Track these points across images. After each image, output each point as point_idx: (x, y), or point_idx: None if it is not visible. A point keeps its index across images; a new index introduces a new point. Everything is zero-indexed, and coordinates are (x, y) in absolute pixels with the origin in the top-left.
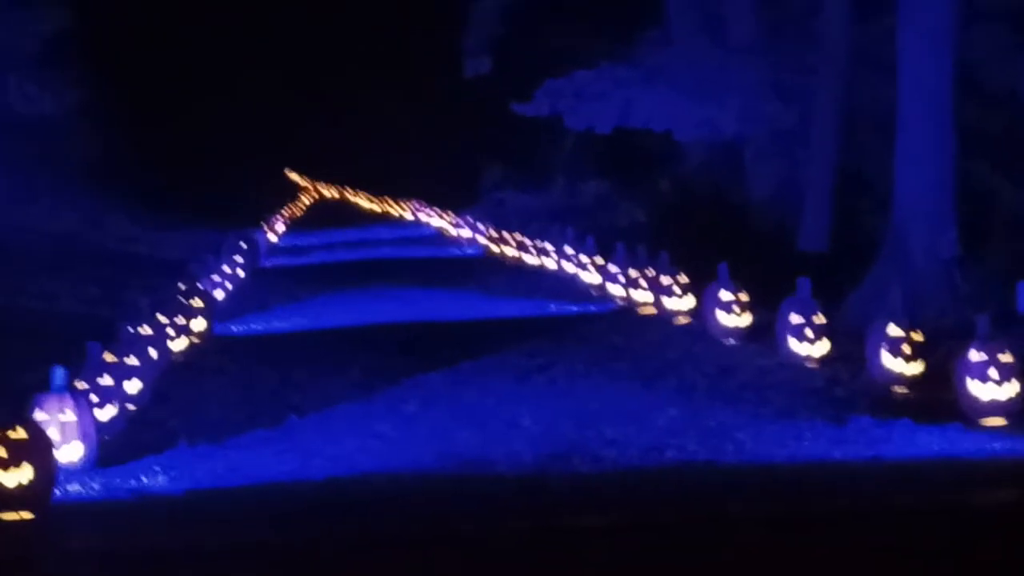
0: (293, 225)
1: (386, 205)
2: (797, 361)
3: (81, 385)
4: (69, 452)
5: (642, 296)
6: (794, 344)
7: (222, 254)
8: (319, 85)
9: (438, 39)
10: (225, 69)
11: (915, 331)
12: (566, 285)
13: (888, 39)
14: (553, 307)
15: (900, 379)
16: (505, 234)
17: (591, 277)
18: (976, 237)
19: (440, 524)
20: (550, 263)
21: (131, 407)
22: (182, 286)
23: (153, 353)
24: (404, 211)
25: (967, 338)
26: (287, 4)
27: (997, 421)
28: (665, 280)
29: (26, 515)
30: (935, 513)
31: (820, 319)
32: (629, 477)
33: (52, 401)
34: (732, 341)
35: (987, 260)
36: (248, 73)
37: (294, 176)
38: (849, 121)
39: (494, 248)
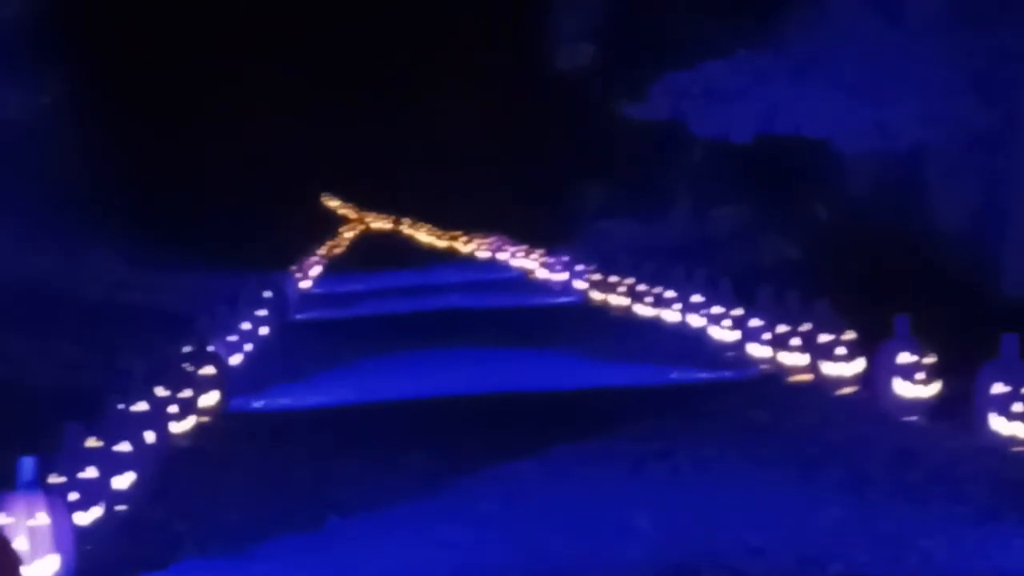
0: (333, 267)
1: (454, 240)
2: (1003, 444)
3: (57, 479)
4: (42, 567)
5: (794, 359)
6: (998, 422)
7: (240, 306)
8: (366, 89)
9: (521, 24)
10: (245, 67)
11: None
12: (692, 344)
13: None
14: (675, 374)
15: None
16: (611, 277)
17: (726, 333)
18: None
19: None
20: (671, 315)
21: (121, 507)
22: (188, 348)
23: (150, 437)
24: (478, 248)
25: None
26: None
27: None
28: (824, 337)
29: None
30: None
31: None
32: None
33: (19, 501)
34: (914, 418)
35: None
36: (275, 73)
37: (334, 204)
38: None
39: (596, 295)
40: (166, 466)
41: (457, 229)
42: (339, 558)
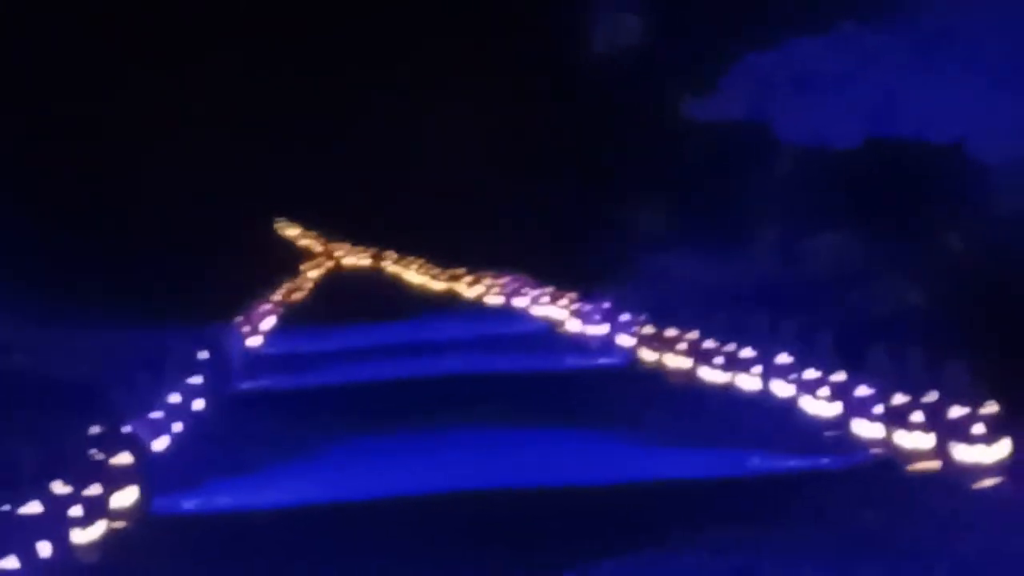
0: (291, 318)
1: (455, 281)
2: None
3: None
4: None
5: (917, 440)
6: None
7: (166, 371)
8: (331, 81)
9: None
10: (170, 58)
11: None
12: (779, 421)
13: None
14: (756, 461)
15: None
16: (669, 331)
17: (824, 406)
18: None
19: None
20: (749, 381)
21: None
22: (97, 429)
23: (44, 549)
24: (487, 292)
25: None
26: None
27: None
28: (957, 411)
29: None
30: None
31: None
32: None
33: None
34: None
35: None
36: (210, 60)
37: (292, 232)
38: None
39: (649, 355)
40: None
41: (460, 266)
42: None
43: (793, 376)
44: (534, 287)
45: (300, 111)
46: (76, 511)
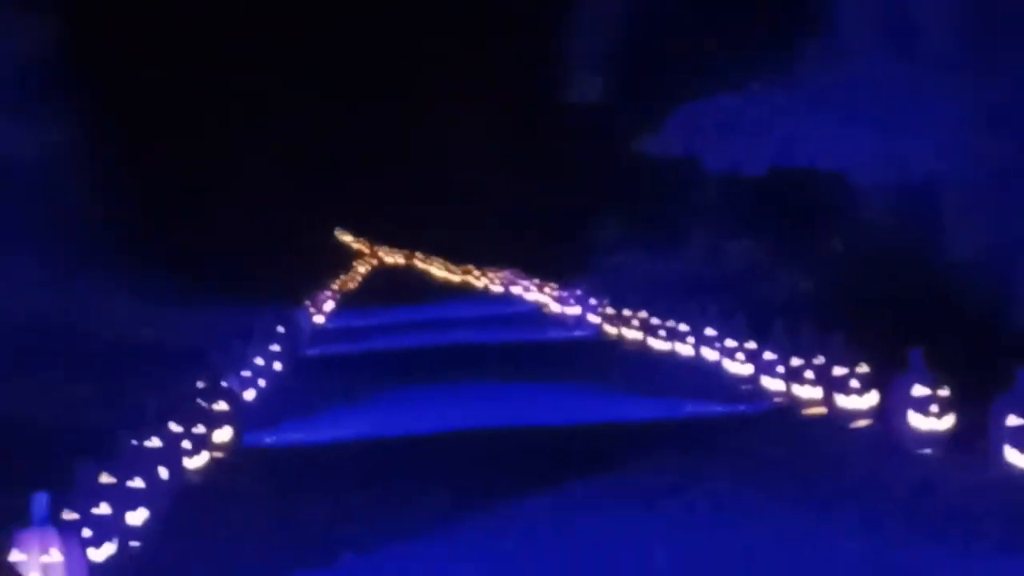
0: (346, 301)
1: (468, 275)
2: (1018, 477)
3: (70, 516)
4: None
5: (808, 392)
6: (1014, 455)
7: (253, 341)
8: (378, 122)
9: (534, 55)
10: (256, 101)
11: None
12: (707, 378)
13: None
14: (690, 407)
15: None
16: (625, 311)
17: (740, 367)
18: None
19: None
20: (685, 348)
21: (135, 543)
22: (201, 384)
23: (163, 473)
24: (492, 282)
25: None
26: (342, 19)
27: None
28: (838, 370)
29: None
30: None
31: None
32: None
33: (33, 537)
34: (929, 451)
35: None
36: (286, 106)
37: (347, 238)
38: None
39: (610, 329)
40: (180, 502)
41: (470, 263)
42: None
43: (717, 344)
44: (526, 279)
45: (353, 148)
46: (186, 444)
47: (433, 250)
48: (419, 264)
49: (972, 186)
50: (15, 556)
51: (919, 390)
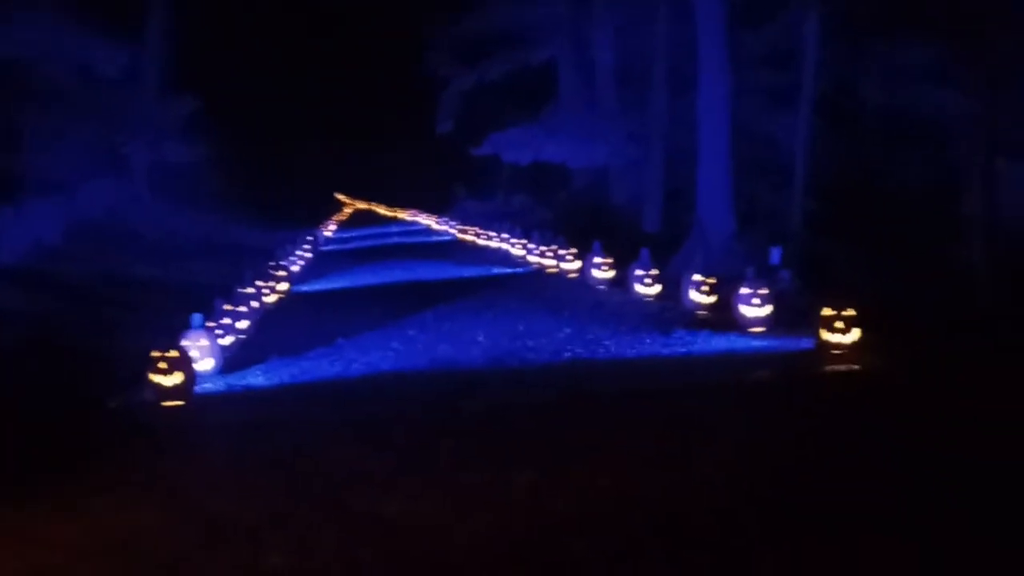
0: (340, 226)
1: (396, 212)
2: (641, 299)
3: (211, 324)
4: (204, 365)
5: (549, 262)
6: (639, 288)
7: (297, 243)
8: (356, 138)
9: (424, 110)
10: (301, 127)
11: (711, 277)
12: (504, 257)
13: (692, 106)
14: (495, 270)
15: (702, 307)
16: (467, 228)
17: (519, 252)
18: (747, 222)
19: (429, 401)
20: (494, 244)
21: (242, 337)
22: (272, 263)
23: (255, 304)
24: (406, 215)
25: (741, 280)
26: (338, 79)
27: (759, 330)
28: (563, 252)
29: (179, 403)
30: (723, 385)
31: (655, 272)
32: (542, 370)
33: (193, 334)
34: (602, 287)
35: (753, 235)
36: (316, 129)
37: (340, 196)
38: (670, 157)
39: (461, 236)
40: (262, 318)
41: (396, 206)
42: (342, 358)
43: (509, 241)
44: (422, 213)
45: (350, 146)
46: (266, 290)
47: (380, 201)
48: (374, 208)
49: (623, 169)
50: (185, 342)
51: (598, 260)
